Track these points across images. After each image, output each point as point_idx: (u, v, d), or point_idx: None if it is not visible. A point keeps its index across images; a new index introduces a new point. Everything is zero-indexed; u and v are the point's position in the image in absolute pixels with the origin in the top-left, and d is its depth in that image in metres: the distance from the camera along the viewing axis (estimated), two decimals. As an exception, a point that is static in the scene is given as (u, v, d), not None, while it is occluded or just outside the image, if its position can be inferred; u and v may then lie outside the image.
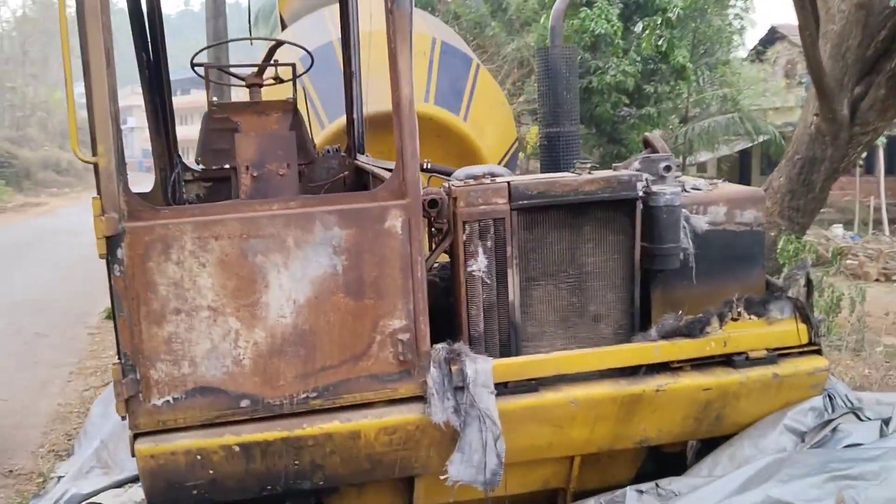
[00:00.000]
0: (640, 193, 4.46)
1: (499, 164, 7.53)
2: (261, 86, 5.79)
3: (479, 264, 4.30)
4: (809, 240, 9.47)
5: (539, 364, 4.29)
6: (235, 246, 3.83)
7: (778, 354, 4.55)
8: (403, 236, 4.03)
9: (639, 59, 18.42)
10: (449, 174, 5.45)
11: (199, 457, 3.85)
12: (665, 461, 4.87)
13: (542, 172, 6.62)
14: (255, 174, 5.19)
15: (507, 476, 4.07)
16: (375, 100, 6.81)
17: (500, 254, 4.33)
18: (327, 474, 4.07)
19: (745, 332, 4.50)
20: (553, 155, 6.52)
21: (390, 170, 4.24)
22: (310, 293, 3.95)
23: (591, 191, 4.36)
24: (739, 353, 4.50)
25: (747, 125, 22.07)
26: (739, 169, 30.53)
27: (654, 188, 4.49)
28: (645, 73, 19.08)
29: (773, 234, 8.57)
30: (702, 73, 21.97)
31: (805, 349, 4.60)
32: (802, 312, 4.59)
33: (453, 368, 4.13)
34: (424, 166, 5.56)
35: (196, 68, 5.69)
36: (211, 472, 3.89)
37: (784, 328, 4.57)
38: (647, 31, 17.74)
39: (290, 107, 5.64)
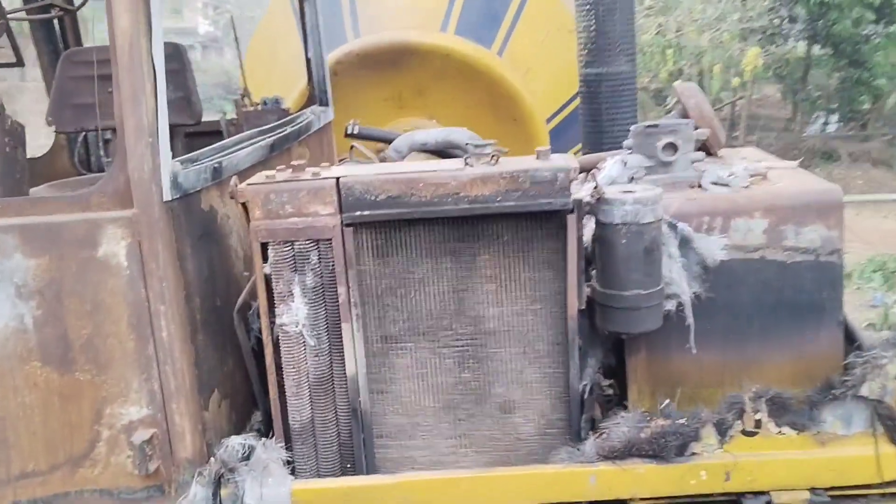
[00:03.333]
0: (586, 199, 2.50)
1: (550, 119, 5.53)
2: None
3: (295, 314, 2.56)
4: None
5: (382, 490, 2.53)
6: None
7: (835, 500, 2.48)
8: (131, 270, 2.39)
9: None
10: (388, 141, 3.70)
11: None
12: None
13: (584, 138, 4.61)
14: (106, 138, 3.73)
15: None
16: (370, 25, 5.07)
17: (331, 297, 2.56)
18: None
19: (770, 457, 2.48)
20: (594, 108, 4.49)
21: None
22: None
23: (484, 196, 2.46)
24: (757, 495, 2.49)
25: None
26: None
27: (610, 192, 2.51)
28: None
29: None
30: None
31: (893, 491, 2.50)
32: (891, 425, 2.47)
33: (223, 493, 2.47)
34: (350, 130, 3.80)
35: None
36: None
37: (850, 452, 2.50)
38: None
39: (172, 50, 4.02)
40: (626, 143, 2.98)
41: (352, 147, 3.75)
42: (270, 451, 2.60)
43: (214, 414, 2.68)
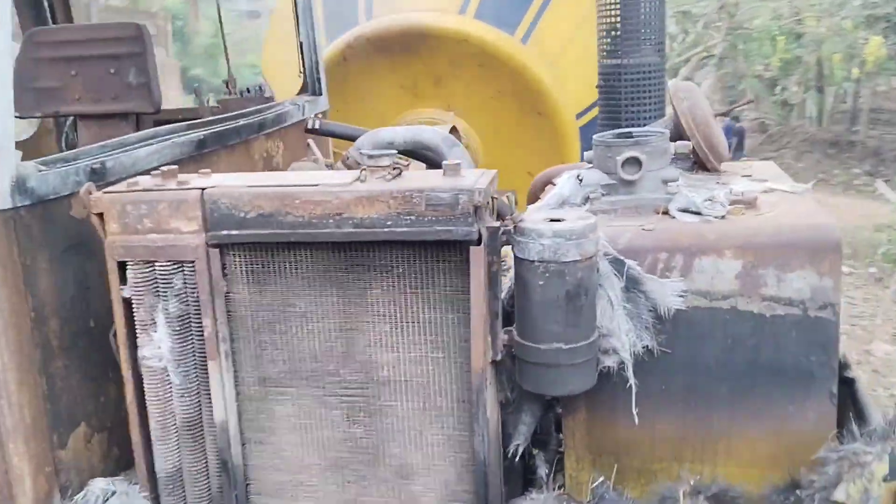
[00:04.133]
0: (503, 228, 2.02)
1: (580, 115, 4.96)
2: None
3: (157, 346, 2.16)
4: None
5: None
6: None
7: None
8: None
9: None
10: (353, 138, 3.27)
11: None
12: None
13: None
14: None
15: None
16: (383, 7, 4.63)
17: (200, 329, 2.15)
18: None
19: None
20: (612, 105, 3.92)
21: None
22: None
23: (371, 219, 2.00)
24: None
25: None
26: None
27: (529, 220, 2.00)
28: None
29: None
30: None
31: None
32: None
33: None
34: (311, 125, 3.37)
35: None
36: None
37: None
38: None
39: (134, 31, 3.66)
40: (586, 154, 2.46)
41: (307, 144, 3.32)
42: (132, 501, 2.22)
43: (78, 452, 2.31)
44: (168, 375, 2.19)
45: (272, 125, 3.63)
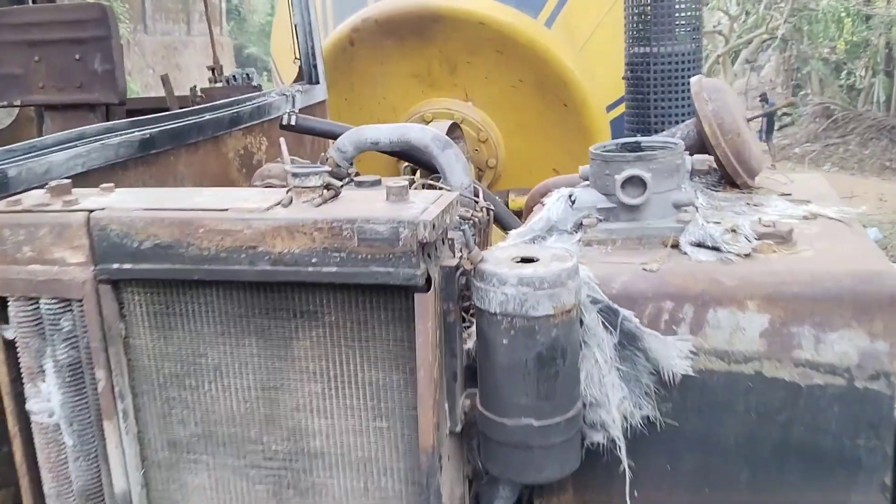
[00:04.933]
0: (461, 267, 1.58)
1: (611, 107, 4.45)
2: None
3: (46, 399, 1.77)
4: None
5: None
6: None
7: None
8: None
9: None
10: (334, 136, 2.86)
11: None
12: None
13: (626, 132, 3.56)
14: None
15: None
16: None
17: (92, 380, 1.76)
18: None
19: None
20: (639, 97, 3.44)
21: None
22: None
23: (292, 255, 1.57)
24: None
25: None
26: None
27: (493, 259, 1.56)
28: None
29: None
30: None
31: None
32: None
33: None
34: (285, 121, 2.95)
35: None
36: None
37: None
38: None
39: (99, 13, 3.27)
40: (582, 169, 2.00)
41: (280, 143, 2.89)
42: (24, 581, 1.85)
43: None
44: (61, 434, 1.80)
45: (251, 118, 3.23)
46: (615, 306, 1.65)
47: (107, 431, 1.78)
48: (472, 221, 2.60)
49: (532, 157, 4.43)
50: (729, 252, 1.73)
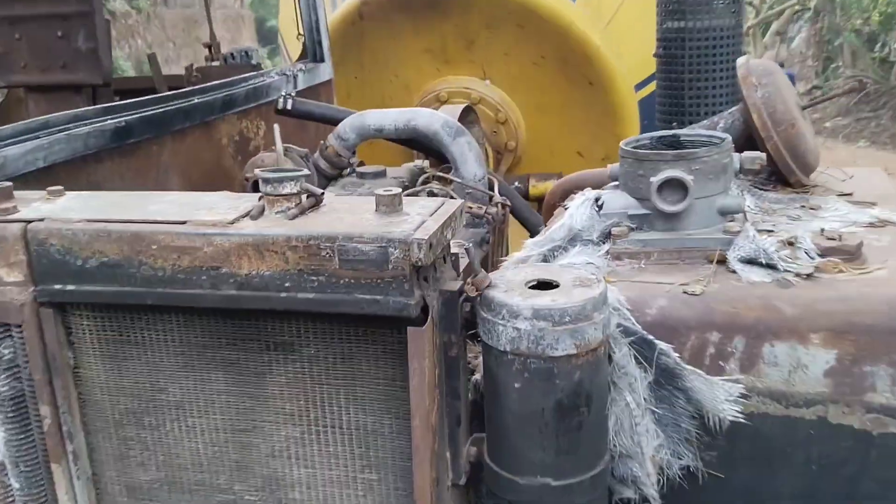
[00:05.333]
0: (464, 294, 1.30)
1: (640, 86, 4.12)
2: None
3: (-17, 437, 1.52)
4: None
5: None
6: None
7: None
8: None
9: None
10: (334, 122, 2.61)
11: None
12: None
13: (658, 120, 3.25)
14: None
15: None
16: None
17: (37, 416, 1.50)
18: None
19: None
20: (672, 77, 3.13)
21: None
22: None
23: (262, 278, 1.30)
24: None
25: None
26: None
27: (503, 283, 1.28)
28: None
29: None
30: None
31: None
32: None
33: None
34: (281, 105, 2.68)
35: None
36: None
37: None
38: None
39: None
40: (610, 168, 1.71)
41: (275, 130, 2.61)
42: None
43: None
44: (7, 476, 1.55)
45: (247, 101, 2.96)
46: (650, 338, 1.38)
47: (55, 475, 1.53)
48: (485, 219, 2.33)
49: (554, 140, 4.13)
50: (787, 271, 1.44)
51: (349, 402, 1.39)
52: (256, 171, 1.41)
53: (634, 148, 1.66)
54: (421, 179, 2.52)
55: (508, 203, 2.50)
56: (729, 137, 1.63)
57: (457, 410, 1.38)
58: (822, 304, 1.37)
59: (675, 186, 1.53)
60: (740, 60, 1.90)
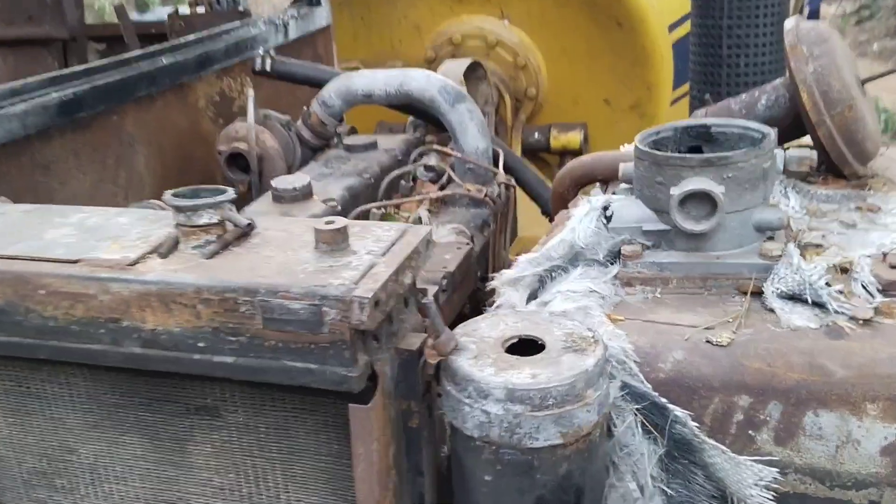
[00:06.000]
0: (424, 357, 1.02)
1: (674, 26, 3.72)
2: None
3: None
4: None
5: None
6: None
7: None
8: None
9: None
10: (317, 84, 2.31)
11: None
12: None
13: (691, 79, 2.88)
14: None
15: None
16: None
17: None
18: None
19: None
20: (708, 25, 2.76)
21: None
22: None
23: (170, 335, 1.02)
24: None
25: None
26: None
27: (467, 353, 0.99)
28: None
29: None
30: None
31: None
32: None
33: None
34: (258, 65, 2.38)
35: None
36: None
37: None
38: None
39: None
40: (622, 169, 1.40)
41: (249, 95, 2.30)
42: None
43: None
44: None
45: (227, 56, 2.66)
46: (663, 402, 1.09)
47: (-45, 544, 1.30)
48: (486, 204, 2.03)
49: (579, 87, 3.77)
50: (840, 313, 1.14)
51: (287, 480, 1.13)
52: (166, 195, 1.12)
53: (654, 143, 1.35)
54: (416, 153, 2.22)
55: (513, 184, 2.19)
56: (772, 133, 1.31)
57: (420, 488, 1.12)
58: (884, 366, 1.07)
59: (702, 200, 1.22)
60: (789, 23, 1.56)
